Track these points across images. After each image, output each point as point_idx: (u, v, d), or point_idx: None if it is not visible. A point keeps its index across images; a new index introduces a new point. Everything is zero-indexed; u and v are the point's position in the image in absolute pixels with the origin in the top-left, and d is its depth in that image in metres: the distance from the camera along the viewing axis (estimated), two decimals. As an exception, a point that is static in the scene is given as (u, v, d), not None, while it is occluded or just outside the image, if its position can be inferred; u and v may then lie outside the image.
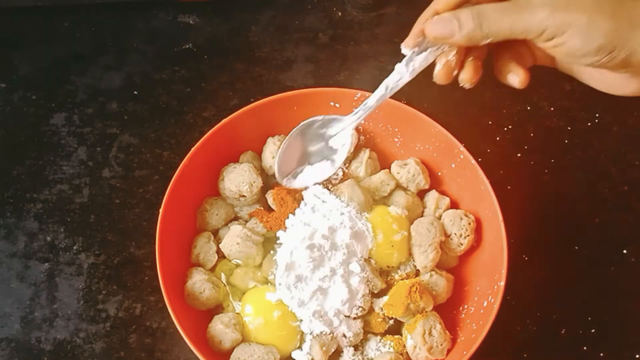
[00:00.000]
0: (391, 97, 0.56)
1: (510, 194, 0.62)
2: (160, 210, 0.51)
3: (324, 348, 0.49)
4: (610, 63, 0.40)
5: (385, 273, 0.53)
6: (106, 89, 0.70)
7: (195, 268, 0.53)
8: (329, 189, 0.55)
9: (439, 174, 0.58)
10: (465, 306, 0.53)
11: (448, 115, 0.58)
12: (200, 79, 0.71)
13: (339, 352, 0.52)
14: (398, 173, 0.56)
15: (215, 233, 0.56)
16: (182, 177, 0.53)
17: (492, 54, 0.46)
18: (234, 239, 0.52)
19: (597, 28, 0.39)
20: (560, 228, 0.62)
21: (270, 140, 0.57)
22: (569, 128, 0.67)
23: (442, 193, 0.57)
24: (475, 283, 0.54)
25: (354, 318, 0.51)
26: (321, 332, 0.50)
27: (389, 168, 0.57)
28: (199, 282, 0.51)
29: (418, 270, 0.53)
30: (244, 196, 0.54)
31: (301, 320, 0.50)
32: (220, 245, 0.53)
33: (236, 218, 0.57)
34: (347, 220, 0.52)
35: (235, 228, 0.52)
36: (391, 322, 0.52)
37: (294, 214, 0.53)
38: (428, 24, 0.43)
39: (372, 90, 0.56)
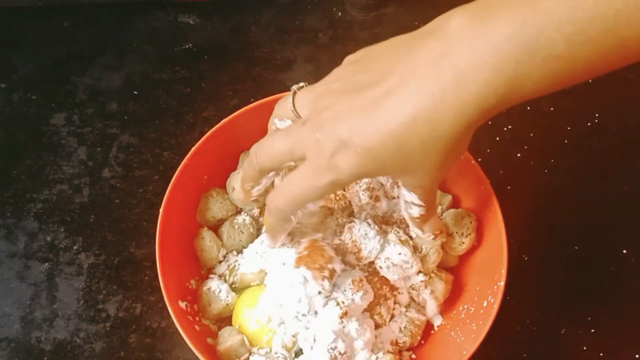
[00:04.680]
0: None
1: (510, 194, 0.62)
2: (160, 210, 0.51)
3: None
4: None
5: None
6: (106, 89, 0.70)
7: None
8: None
9: (439, 174, 0.58)
10: (465, 306, 0.53)
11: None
12: (200, 79, 0.71)
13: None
14: None
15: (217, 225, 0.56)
16: (182, 177, 0.53)
17: None
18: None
19: None
20: (560, 228, 0.62)
21: None
22: (569, 128, 0.67)
23: (442, 193, 0.57)
24: (475, 283, 0.54)
25: None
26: None
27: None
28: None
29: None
30: (256, 201, 0.54)
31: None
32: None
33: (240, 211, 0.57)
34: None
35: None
36: None
37: None
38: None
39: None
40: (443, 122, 0.35)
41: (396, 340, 0.52)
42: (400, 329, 0.52)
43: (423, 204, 0.43)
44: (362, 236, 0.50)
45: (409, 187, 0.42)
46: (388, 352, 0.50)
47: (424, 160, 0.38)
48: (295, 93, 0.45)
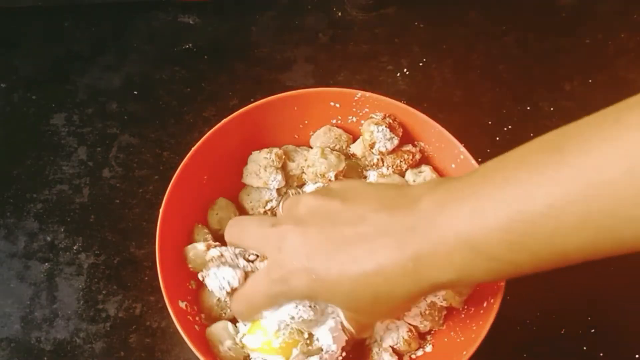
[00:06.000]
0: (391, 97, 0.56)
1: (510, 194, 0.62)
2: (160, 210, 0.51)
3: None
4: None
5: None
6: (106, 89, 0.70)
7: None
8: None
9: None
10: (465, 306, 0.53)
11: (448, 115, 0.58)
12: (200, 79, 0.71)
13: None
14: (414, 181, 0.56)
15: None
16: (182, 177, 0.53)
17: None
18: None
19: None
20: (560, 228, 0.62)
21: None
22: (569, 128, 0.67)
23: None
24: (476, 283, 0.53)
25: None
26: None
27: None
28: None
29: None
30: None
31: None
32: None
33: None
34: None
35: None
36: None
37: None
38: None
39: (372, 90, 0.56)
40: (398, 286, 0.38)
41: (416, 326, 0.52)
42: (420, 313, 0.52)
43: (353, 332, 0.46)
44: None
45: (348, 318, 0.44)
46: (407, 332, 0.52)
47: (371, 308, 0.41)
48: (287, 198, 0.49)
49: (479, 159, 0.54)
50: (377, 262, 0.38)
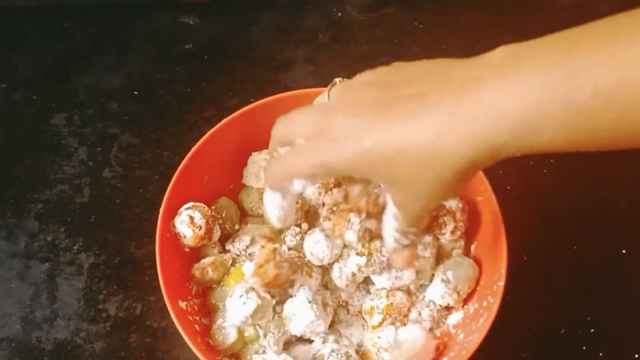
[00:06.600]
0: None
1: (510, 194, 0.62)
2: (160, 210, 0.51)
3: None
4: None
5: None
6: (106, 89, 0.71)
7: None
8: None
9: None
10: (465, 306, 0.53)
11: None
12: (200, 79, 0.71)
13: None
14: None
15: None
16: (182, 177, 0.53)
17: None
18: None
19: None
20: (560, 228, 0.62)
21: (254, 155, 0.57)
22: (569, 128, 0.67)
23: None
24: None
25: None
26: None
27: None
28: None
29: None
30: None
31: None
32: None
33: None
34: None
35: None
36: None
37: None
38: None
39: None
40: (451, 146, 0.34)
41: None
42: (419, 313, 0.52)
43: (405, 223, 0.42)
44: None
45: (395, 203, 0.41)
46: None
47: (418, 182, 0.36)
48: (334, 84, 0.44)
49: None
50: (428, 119, 0.34)
